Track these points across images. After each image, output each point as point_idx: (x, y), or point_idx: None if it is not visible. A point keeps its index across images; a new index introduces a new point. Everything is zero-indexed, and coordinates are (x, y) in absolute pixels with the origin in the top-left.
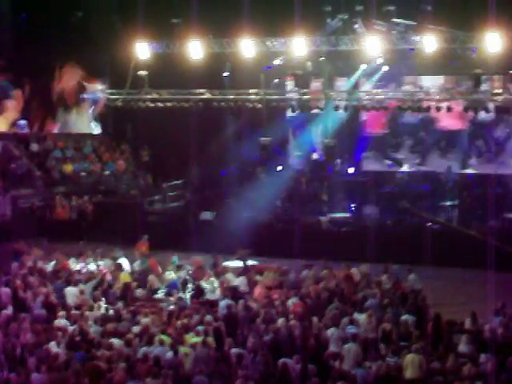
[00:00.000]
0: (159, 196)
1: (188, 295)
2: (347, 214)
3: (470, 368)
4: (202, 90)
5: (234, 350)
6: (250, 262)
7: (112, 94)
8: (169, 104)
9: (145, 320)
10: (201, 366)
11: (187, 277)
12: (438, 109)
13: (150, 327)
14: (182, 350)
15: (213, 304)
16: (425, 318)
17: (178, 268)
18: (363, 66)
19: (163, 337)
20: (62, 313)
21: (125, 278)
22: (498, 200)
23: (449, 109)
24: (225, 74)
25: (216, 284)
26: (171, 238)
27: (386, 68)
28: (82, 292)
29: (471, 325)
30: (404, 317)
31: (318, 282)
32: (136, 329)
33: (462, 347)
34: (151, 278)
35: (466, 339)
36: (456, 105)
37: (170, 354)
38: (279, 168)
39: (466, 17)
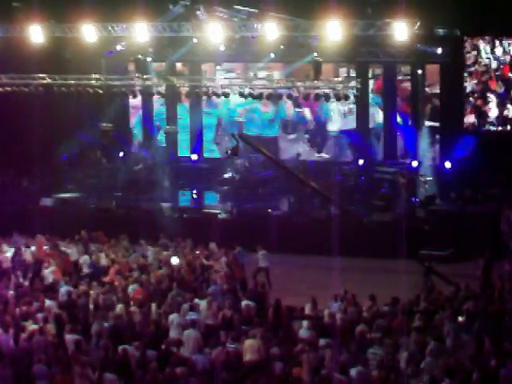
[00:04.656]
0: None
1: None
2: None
3: (310, 353)
4: (42, 75)
5: (72, 337)
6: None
7: None
8: (8, 89)
9: None
10: (39, 355)
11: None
12: (289, 97)
13: None
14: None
15: (53, 289)
16: (265, 304)
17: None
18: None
19: None
20: None
21: None
22: (342, 188)
23: (289, 96)
24: (66, 59)
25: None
26: (14, 223)
27: (229, 54)
28: None
29: (311, 310)
30: (244, 302)
31: (159, 267)
32: None
33: (302, 333)
34: None
35: (306, 325)
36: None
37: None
38: (121, 154)
39: (308, 5)
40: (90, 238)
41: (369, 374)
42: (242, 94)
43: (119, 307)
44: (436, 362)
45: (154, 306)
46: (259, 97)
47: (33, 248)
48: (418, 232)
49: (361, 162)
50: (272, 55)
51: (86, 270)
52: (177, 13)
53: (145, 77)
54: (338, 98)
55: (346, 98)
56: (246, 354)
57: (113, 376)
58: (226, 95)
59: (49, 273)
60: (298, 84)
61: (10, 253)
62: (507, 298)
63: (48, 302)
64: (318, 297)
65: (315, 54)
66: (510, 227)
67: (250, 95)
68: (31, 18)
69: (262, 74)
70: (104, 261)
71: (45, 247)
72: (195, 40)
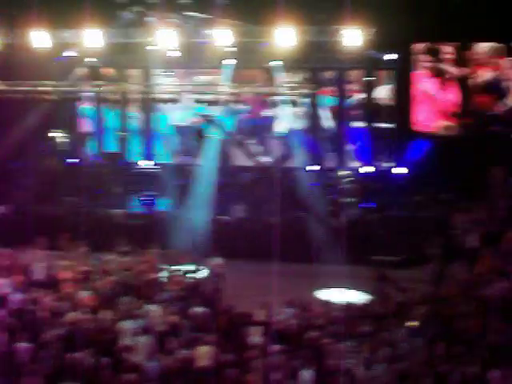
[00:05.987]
0: None
1: None
2: (141, 208)
3: (261, 359)
4: None
5: (22, 345)
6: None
7: None
8: None
9: None
10: None
11: None
12: (236, 101)
13: None
14: None
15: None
16: (217, 310)
17: None
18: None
19: None
20: None
21: None
22: (285, 194)
23: (243, 101)
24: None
25: None
26: None
27: (180, 61)
28: None
29: (263, 316)
30: (196, 309)
31: (112, 274)
32: None
33: (254, 339)
34: None
35: (258, 331)
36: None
37: None
38: (74, 160)
39: (260, 11)
40: (42, 244)
41: (321, 379)
42: (194, 100)
43: (72, 314)
44: (388, 368)
45: (106, 312)
46: (212, 102)
47: None
48: (370, 237)
49: (313, 167)
50: (224, 61)
51: (38, 277)
52: (128, 19)
53: (96, 83)
54: (291, 104)
55: (298, 103)
56: (199, 360)
57: None
58: (177, 101)
59: None
60: (251, 90)
61: None
62: (459, 301)
63: None
64: (270, 303)
65: (268, 60)
66: (462, 231)
67: (203, 101)
68: None
69: (211, 78)
70: (56, 267)
71: None
72: (147, 46)
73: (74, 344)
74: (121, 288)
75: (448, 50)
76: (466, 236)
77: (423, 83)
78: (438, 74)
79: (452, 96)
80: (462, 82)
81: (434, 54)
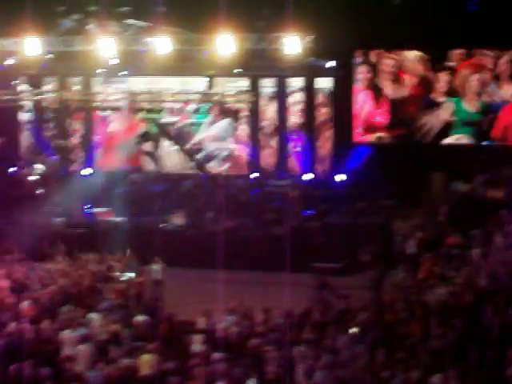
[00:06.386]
0: None
1: None
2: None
3: (203, 367)
4: None
5: None
6: None
7: None
8: None
9: None
10: None
11: None
12: (172, 110)
13: None
14: None
15: None
16: (158, 319)
17: None
18: (98, 68)
19: None
20: None
21: None
22: (227, 201)
23: (180, 110)
24: None
25: None
26: None
27: (120, 69)
28: None
29: (205, 324)
30: (137, 317)
31: (51, 283)
32: None
33: (196, 347)
34: None
35: (199, 339)
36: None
37: None
38: (12, 169)
39: (200, 19)
40: None
41: None
42: (136, 108)
43: (11, 325)
44: (330, 375)
45: (47, 322)
46: (153, 110)
47: None
48: (310, 245)
49: (255, 174)
50: (165, 69)
51: None
52: (68, 27)
53: (36, 91)
54: (231, 112)
55: (239, 111)
56: (141, 368)
57: None
58: (118, 109)
59: None
60: (191, 97)
61: None
62: (400, 307)
63: None
64: (211, 310)
65: (208, 68)
66: (402, 238)
67: (145, 108)
68: None
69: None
70: None
71: None
72: (87, 54)
73: (15, 355)
74: (61, 297)
75: (384, 60)
76: (405, 242)
77: (360, 93)
78: (373, 86)
79: (385, 107)
80: (394, 94)
81: (368, 63)
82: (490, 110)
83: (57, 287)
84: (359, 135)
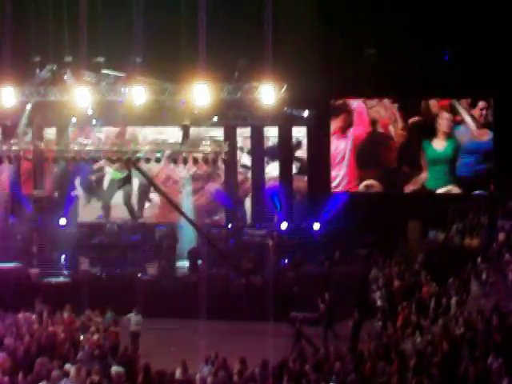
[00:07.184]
0: None
1: None
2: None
3: None
4: None
5: None
6: None
7: None
8: None
9: None
10: None
11: None
12: (148, 160)
13: None
14: None
15: None
16: (134, 369)
17: None
18: (73, 118)
19: None
20: None
21: None
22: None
23: (158, 160)
24: None
25: None
26: None
27: (96, 119)
28: None
29: (181, 375)
30: (114, 368)
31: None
32: None
33: None
34: None
35: None
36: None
37: None
38: None
39: (176, 69)
40: None
41: None
42: (110, 159)
43: None
44: None
45: (22, 374)
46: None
47: None
48: (287, 294)
49: (231, 224)
50: (141, 118)
51: None
52: (44, 77)
53: (12, 142)
54: (206, 162)
55: (214, 161)
56: None
57: None
58: (95, 160)
59: None
60: (167, 147)
61: None
62: (375, 357)
63: None
64: (188, 360)
65: (183, 118)
66: (378, 286)
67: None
68: None
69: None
70: None
71: None
72: (62, 104)
73: None
74: (36, 348)
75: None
76: (381, 291)
77: (336, 142)
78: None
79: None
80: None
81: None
82: None
83: (31, 339)
84: (338, 184)
